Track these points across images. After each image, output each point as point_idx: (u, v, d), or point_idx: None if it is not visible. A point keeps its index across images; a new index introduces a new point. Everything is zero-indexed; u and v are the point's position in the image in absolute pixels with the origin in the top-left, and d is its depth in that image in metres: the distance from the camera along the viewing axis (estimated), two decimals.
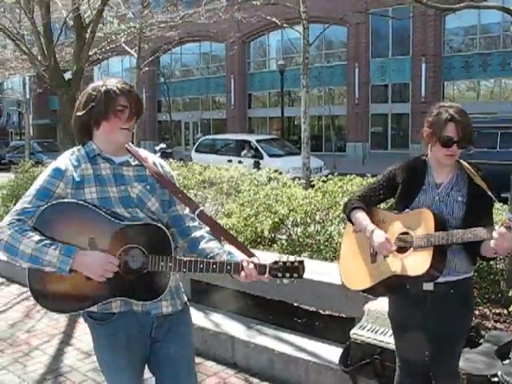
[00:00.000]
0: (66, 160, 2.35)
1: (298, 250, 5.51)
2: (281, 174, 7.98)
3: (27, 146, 28.19)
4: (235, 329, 4.44)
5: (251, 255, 2.35)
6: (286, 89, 27.50)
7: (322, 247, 5.31)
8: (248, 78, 35.53)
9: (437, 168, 2.83)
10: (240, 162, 16.91)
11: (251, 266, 2.26)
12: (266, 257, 2.39)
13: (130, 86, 2.37)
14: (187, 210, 2.53)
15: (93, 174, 2.32)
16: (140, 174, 2.42)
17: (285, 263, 2.26)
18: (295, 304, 4.93)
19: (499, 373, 3.24)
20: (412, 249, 2.68)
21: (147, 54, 22.57)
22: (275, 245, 5.79)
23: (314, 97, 30.02)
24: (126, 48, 17.72)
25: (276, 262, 2.27)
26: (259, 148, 19.30)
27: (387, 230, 2.79)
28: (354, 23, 27.85)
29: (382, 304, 3.68)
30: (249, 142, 19.79)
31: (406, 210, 2.80)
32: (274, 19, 14.61)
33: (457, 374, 3.01)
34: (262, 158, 18.60)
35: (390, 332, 3.49)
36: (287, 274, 2.26)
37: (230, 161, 17.31)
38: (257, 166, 15.64)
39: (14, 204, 8.55)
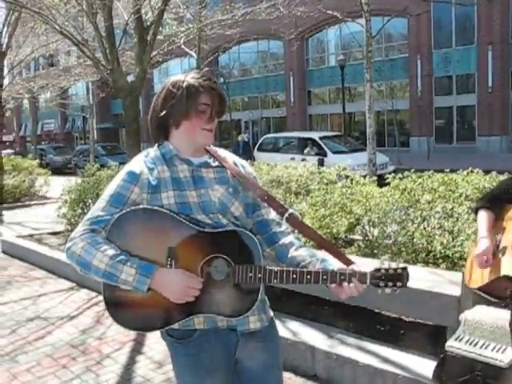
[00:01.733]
0: (140, 163, 2.14)
1: (376, 251, 5.19)
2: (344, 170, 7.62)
3: (92, 150, 28.85)
4: (314, 338, 4.17)
5: (350, 263, 2.08)
6: (345, 84, 26.97)
7: (402, 249, 4.97)
8: (307, 74, 35.14)
9: None
10: (303, 159, 16.57)
11: (351, 284, 1.99)
12: (360, 262, 2.12)
13: (213, 82, 2.14)
14: (273, 215, 2.29)
15: (170, 177, 2.10)
16: (221, 175, 2.19)
17: (387, 270, 1.99)
18: (376, 310, 4.62)
19: None
20: None
21: (206, 55, 22.61)
22: (352, 247, 5.48)
23: (375, 91, 29.32)
24: (186, 49, 17.76)
25: (378, 270, 2.00)
26: (322, 145, 18.92)
27: (510, 230, 2.58)
28: (414, 14, 26.99)
29: (480, 313, 3.34)
30: (312, 140, 19.43)
31: None
32: (335, 13, 14.22)
33: None
34: (325, 155, 18.20)
35: (492, 345, 3.18)
36: (390, 283, 1.99)
37: (292, 159, 16.99)
38: (321, 163, 15.30)
39: (82, 208, 8.65)
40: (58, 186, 10.50)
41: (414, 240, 4.96)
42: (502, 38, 26.22)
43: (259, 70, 38.10)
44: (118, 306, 2.07)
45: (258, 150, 20.89)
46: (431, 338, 4.07)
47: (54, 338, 5.10)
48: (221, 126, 40.38)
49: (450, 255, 4.57)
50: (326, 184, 6.50)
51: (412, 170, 5.72)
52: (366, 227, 5.47)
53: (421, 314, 4.02)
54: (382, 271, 1.99)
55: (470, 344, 3.24)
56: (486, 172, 5.37)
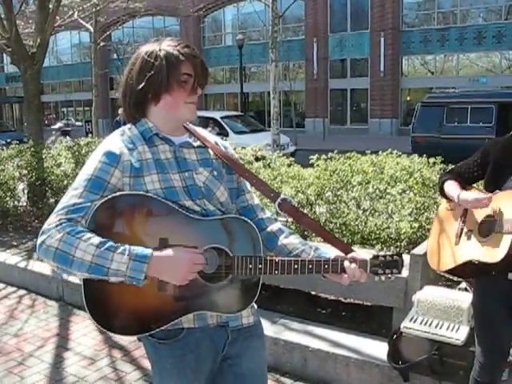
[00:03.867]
0: (117, 142, 1.88)
1: (306, 233, 5.14)
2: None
3: None
4: None
5: (348, 250, 1.96)
6: (242, 64, 26.92)
7: (335, 230, 4.95)
8: (203, 53, 34.66)
9: None
10: None
11: (353, 265, 1.88)
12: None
13: (192, 49, 1.91)
14: (257, 200, 2.12)
15: (152, 159, 1.87)
16: (204, 157, 1.99)
17: (385, 257, 1.91)
18: (313, 293, 4.58)
19: None
20: (493, 233, 2.42)
21: (100, 29, 21.58)
22: None
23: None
24: (82, 22, 16.81)
25: (376, 257, 1.92)
26: (224, 125, 18.76)
27: (476, 212, 2.56)
28: None
29: (432, 294, 3.39)
30: (214, 119, 19.20)
31: (496, 191, 2.49)
32: None
33: None
34: (227, 135, 18.03)
35: (446, 324, 3.23)
36: (387, 270, 1.91)
37: None
38: None
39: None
40: None
41: (347, 222, 4.96)
42: (393, 25, 27.38)
43: None
44: (103, 307, 1.81)
45: None
46: (376, 319, 4.10)
47: None
48: (114, 104, 39.09)
49: (386, 236, 4.61)
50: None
51: (353, 153, 5.73)
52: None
53: (365, 295, 4.00)
54: (381, 258, 1.92)
55: (425, 324, 3.27)
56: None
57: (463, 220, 2.64)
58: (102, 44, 20.02)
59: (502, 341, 2.61)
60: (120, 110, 17.74)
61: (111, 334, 4.17)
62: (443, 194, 2.74)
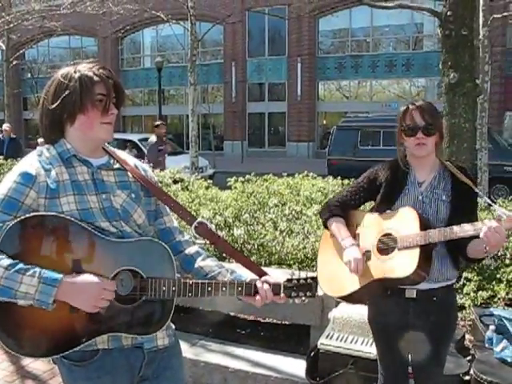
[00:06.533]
0: (34, 163, 1.87)
1: (224, 255, 5.19)
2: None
3: None
4: None
5: (262, 273, 2.02)
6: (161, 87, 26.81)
7: (253, 251, 5.04)
8: (121, 75, 34.25)
9: (418, 167, 2.71)
10: None
11: (266, 286, 1.94)
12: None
13: (108, 70, 1.94)
14: (175, 223, 2.15)
15: (69, 180, 1.87)
16: (122, 179, 2.00)
17: (298, 281, 1.97)
18: (232, 314, 4.62)
19: (471, 371, 3.19)
20: (396, 250, 2.52)
21: (13, 46, 20.90)
22: None
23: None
24: None
25: (290, 280, 1.97)
26: (142, 147, 18.56)
27: (369, 233, 2.65)
28: (230, 22, 27.86)
29: (346, 311, 3.51)
30: (131, 142, 18.98)
31: (388, 211, 2.64)
32: (159, 14, 14.04)
33: (441, 382, 2.89)
34: (143, 157, 17.87)
35: (361, 339, 3.36)
36: (301, 293, 1.97)
37: None
38: None
39: None
40: None
41: (264, 243, 5.05)
42: (309, 51, 28.24)
43: None
44: (12, 328, 1.78)
45: None
46: (294, 338, 4.18)
47: None
48: (27, 125, 37.80)
49: (303, 256, 4.73)
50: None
51: (269, 175, 5.86)
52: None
53: (282, 314, 4.09)
54: (294, 281, 1.97)
55: (341, 340, 3.39)
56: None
57: (356, 243, 2.69)
58: (14, 62, 19.36)
59: (398, 354, 2.71)
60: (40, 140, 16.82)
61: (23, 362, 4.03)
62: (326, 227, 2.78)
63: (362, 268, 2.57)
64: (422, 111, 2.59)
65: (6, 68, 17.79)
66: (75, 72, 1.89)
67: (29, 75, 30.93)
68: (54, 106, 1.87)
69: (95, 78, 1.88)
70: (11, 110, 20.34)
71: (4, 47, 17.47)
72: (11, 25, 15.28)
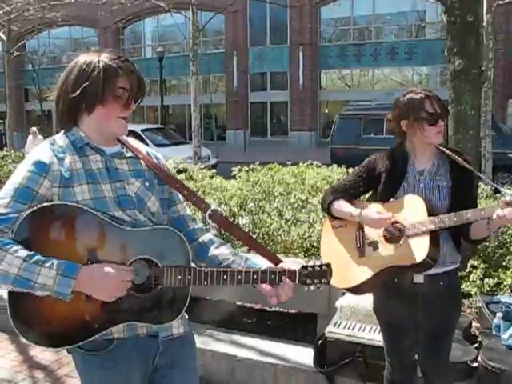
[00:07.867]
0: (47, 151, 1.86)
1: (231, 244, 5.20)
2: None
3: None
4: None
5: (278, 261, 2.01)
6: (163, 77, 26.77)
7: (259, 240, 5.03)
8: None
9: (418, 156, 2.71)
10: None
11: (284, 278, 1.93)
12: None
13: (132, 64, 1.93)
14: (188, 211, 2.15)
15: (83, 169, 1.87)
16: (135, 167, 2.00)
17: (313, 268, 1.95)
18: (239, 303, 4.64)
19: (479, 358, 3.20)
20: (405, 237, 2.53)
21: (14, 37, 20.83)
22: None
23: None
24: None
25: (305, 267, 1.95)
26: (144, 138, 18.53)
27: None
28: (231, 11, 27.73)
29: (353, 299, 3.51)
30: (134, 132, 18.92)
31: (391, 199, 2.65)
32: (161, 3, 13.97)
33: (448, 369, 2.90)
34: None
35: (369, 327, 3.36)
36: (316, 280, 1.96)
37: None
38: None
39: None
40: None
41: (270, 232, 5.05)
42: (311, 40, 28.10)
43: (72, 59, 35.93)
44: (30, 320, 1.78)
45: None
46: (301, 326, 4.19)
47: None
48: (29, 117, 37.77)
49: (308, 245, 4.74)
50: None
51: (274, 164, 5.85)
52: None
53: (289, 303, 4.08)
54: (309, 269, 1.95)
55: (348, 328, 3.40)
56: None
57: (361, 233, 2.68)
58: (15, 54, 19.30)
59: (405, 340, 2.73)
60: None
61: (31, 353, 4.05)
62: (330, 213, 2.75)
63: (389, 215, 2.52)
64: (438, 99, 2.61)
65: (6, 59, 17.71)
66: (99, 62, 1.87)
67: (30, 66, 30.78)
68: (74, 94, 1.85)
69: (119, 71, 1.87)
70: (12, 101, 20.29)
71: (5, 38, 17.41)
72: (12, 15, 15.18)
